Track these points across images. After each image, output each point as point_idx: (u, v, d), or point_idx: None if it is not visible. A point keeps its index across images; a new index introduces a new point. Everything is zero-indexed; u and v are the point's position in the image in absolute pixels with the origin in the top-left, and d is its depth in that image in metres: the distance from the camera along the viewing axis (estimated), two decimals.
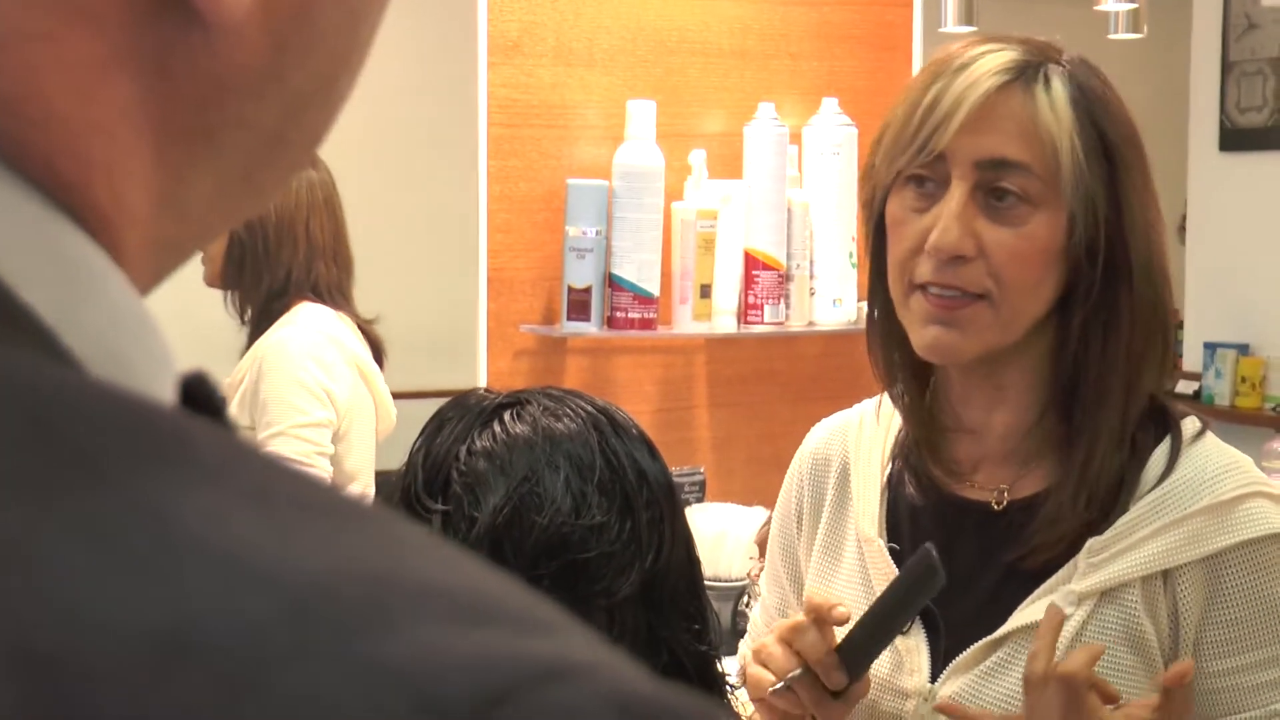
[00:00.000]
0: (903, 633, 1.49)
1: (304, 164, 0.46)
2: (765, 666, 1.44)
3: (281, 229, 2.86)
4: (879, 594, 1.51)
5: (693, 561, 1.38)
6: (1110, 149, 1.45)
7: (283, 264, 2.86)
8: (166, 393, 0.40)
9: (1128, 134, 1.47)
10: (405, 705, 0.30)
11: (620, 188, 2.70)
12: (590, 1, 2.78)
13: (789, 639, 1.43)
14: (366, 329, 2.96)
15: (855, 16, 3.01)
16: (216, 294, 2.96)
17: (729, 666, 1.49)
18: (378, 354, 2.97)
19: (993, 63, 1.44)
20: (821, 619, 1.42)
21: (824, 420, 1.69)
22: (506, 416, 1.34)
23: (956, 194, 1.44)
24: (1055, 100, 1.44)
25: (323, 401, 2.82)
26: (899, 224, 1.47)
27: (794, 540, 1.65)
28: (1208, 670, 1.44)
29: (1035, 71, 1.45)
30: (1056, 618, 1.40)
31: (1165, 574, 1.45)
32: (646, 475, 1.34)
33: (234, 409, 2.91)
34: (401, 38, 4.20)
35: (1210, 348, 5.94)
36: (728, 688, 1.37)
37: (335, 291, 2.91)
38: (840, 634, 1.43)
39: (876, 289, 1.54)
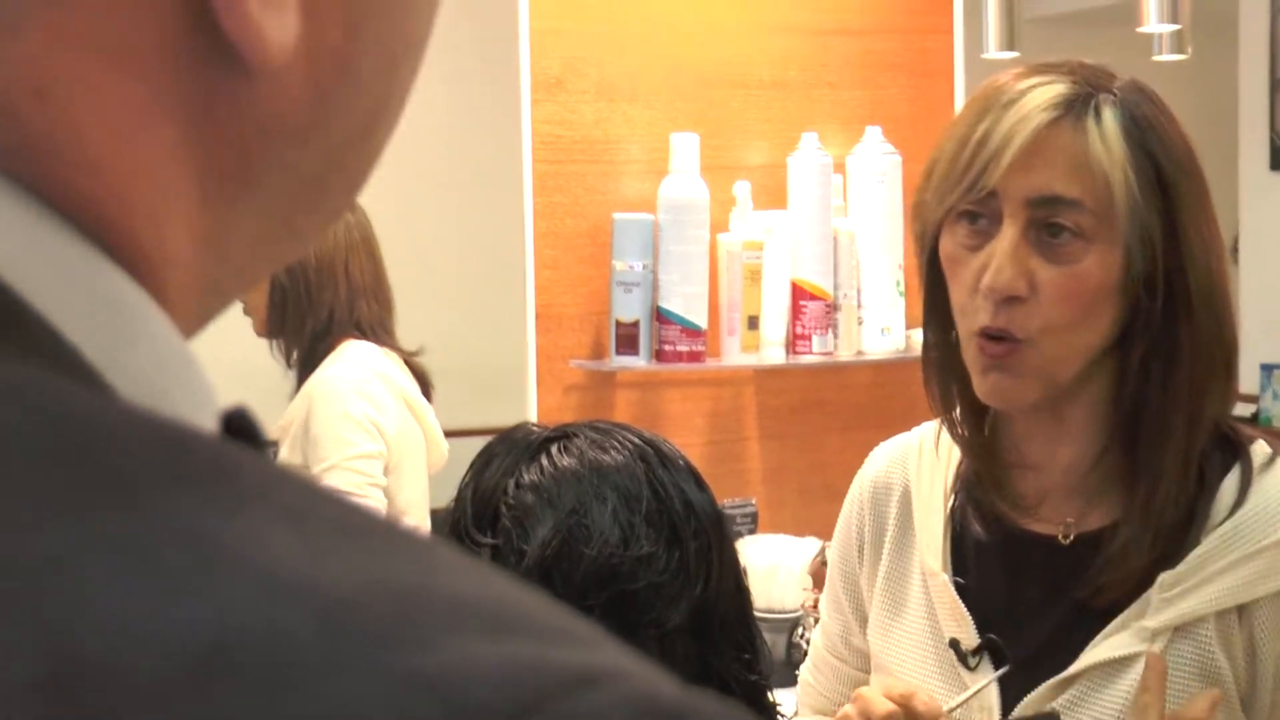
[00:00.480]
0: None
1: (345, 208, 0.46)
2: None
3: (322, 271, 2.89)
4: (945, 631, 1.50)
5: (742, 591, 1.38)
6: (1165, 179, 1.42)
7: (325, 305, 2.90)
8: (208, 425, 0.41)
9: (1184, 160, 1.44)
10: (436, 716, 0.31)
11: (665, 221, 2.71)
12: (631, 37, 2.80)
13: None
14: (412, 363, 2.99)
15: (896, 45, 3.01)
16: (263, 342, 2.99)
17: (781, 697, 1.49)
18: (425, 387, 3.00)
19: (1042, 97, 1.42)
20: (917, 718, 1.40)
21: (883, 444, 1.67)
22: (553, 450, 1.34)
23: (1009, 233, 1.42)
24: (1106, 133, 1.41)
25: (372, 434, 2.85)
26: (954, 262, 1.46)
27: (855, 568, 1.64)
28: None
29: (1085, 104, 1.42)
30: (1159, 666, 1.38)
31: (1240, 608, 1.43)
32: (694, 506, 1.34)
33: (285, 450, 2.94)
34: (446, 77, 4.23)
35: (1267, 369, 5.90)
36: (779, 717, 1.38)
37: (379, 328, 2.94)
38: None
39: (931, 322, 1.53)
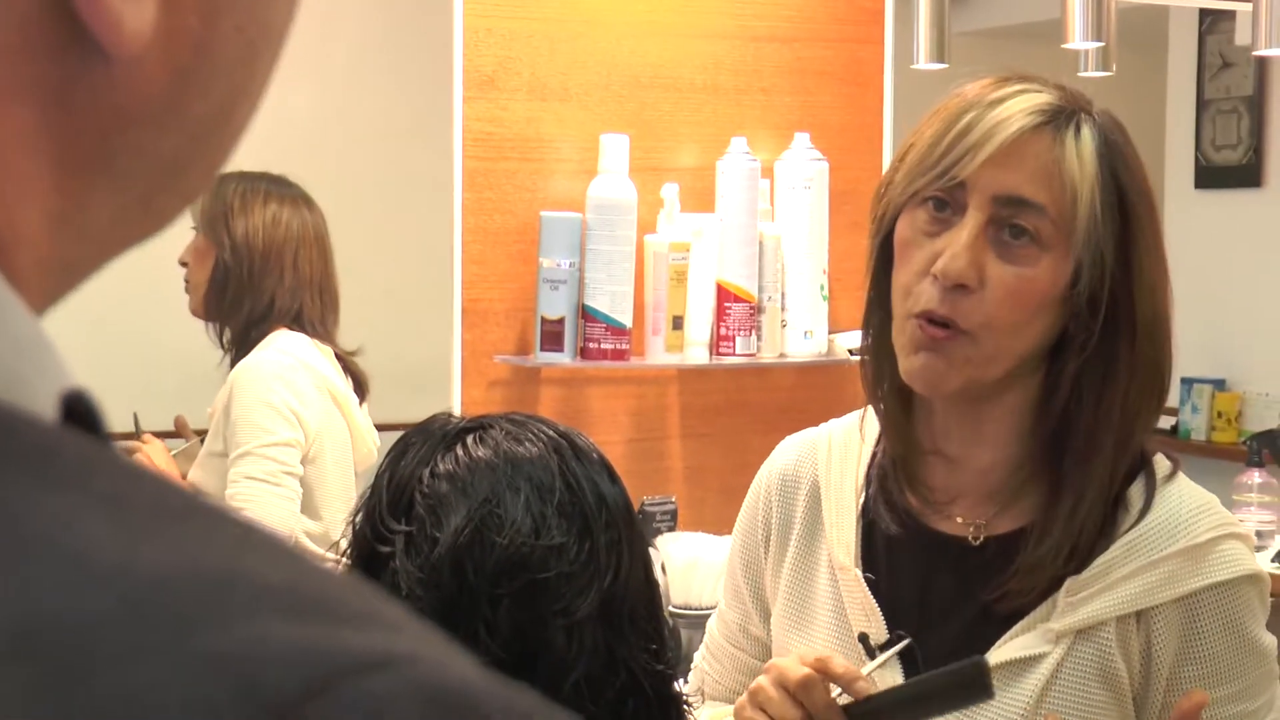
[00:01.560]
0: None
1: (203, 188, 0.48)
2: (763, 710, 1.44)
3: (269, 257, 2.90)
4: (854, 626, 1.53)
5: (651, 583, 1.40)
6: (1127, 205, 1.47)
7: (266, 291, 2.90)
8: (50, 409, 0.41)
9: (1145, 192, 1.49)
10: (226, 696, 0.32)
11: (593, 220, 2.73)
12: (564, 37, 2.82)
13: (795, 690, 1.43)
14: (348, 362, 2.99)
15: (827, 53, 3.05)
16: (201, 325, 2.99)
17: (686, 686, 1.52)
18: (360, 387, 3.00)
19: (1028, 102, 1.46)
20: (839, 682, 1.42)
21: (790, 438, 1.69)
22: (469, 440, 1.37)
23: (970, 224, 1.45)
24: (1083, 149, 1.45)
25: (290, 423, 2.86)
26: (907, 245, 1.49)
27: (759, 557, 1.65)
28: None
29: (1068, 119, 1.46)
30: (1199, 700, 1.41)
31: (1139, 613, 1.47)
32: (605, 498, 1.37)
33: (209, 436, 2.94)
34: (380, 72, 4.23)
35: (1187, 383, 5.98)
36: (685, 706, 1.40)
37: (319, 325, 2.95)
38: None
39: (875, 305, 1.56)
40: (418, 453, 1.38)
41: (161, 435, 3.33)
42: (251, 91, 0.47)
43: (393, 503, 1.36)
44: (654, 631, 1.38)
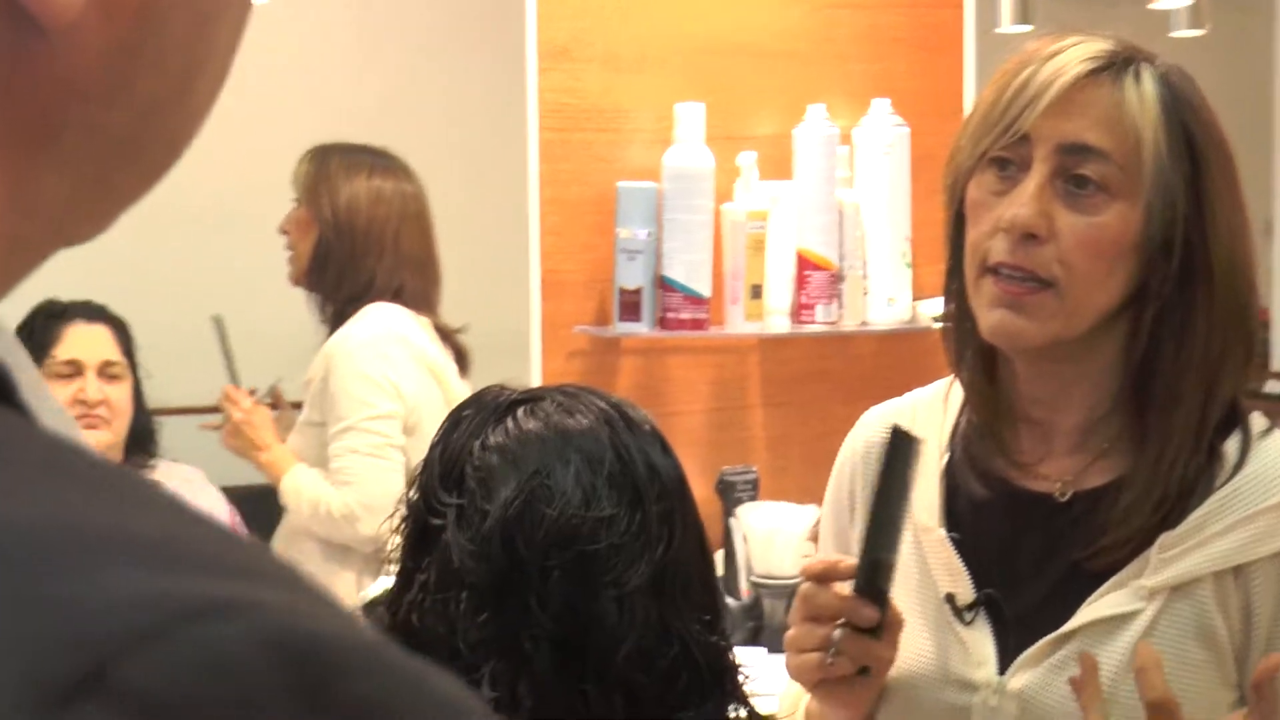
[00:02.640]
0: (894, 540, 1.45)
1: (168, 164, 0.47)
2: (802, 651, 1.44)
3: (370, 235, 2.90)
4: (939, 586, 1.52)
5: (705, 555, 1.40)
6: (1196, 149, 1.45)
7: (366, 270, 2.90)
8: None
9: (1217, 140, 1.48)
10: (67, 639, 0.32)
11: (670, 190, 2.73)
12: (638, 6, 2.82)
13: (806, 613, 1.43)
14: (449, 335, 2.99)
15: (904, 18, 3.02)
16: (298, 295, 3.01)
17: (779, 660, 1.51)
18: (462, 360, 3.00)
19: (1085, 51, 1.46)
20: (826, 579, 1.43)
21: (874, 408, 1.68)
22: (520, 413, 1.37)
23: (1036, 175, 1.44)
24: (1144, 94, 1.44)
25: (389, 394, 2.86)
26: (978, 206, 1.48)
27: (846, 526, 1.64)
28: None
29: (1126, 64, 1.46)
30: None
31: (1237, 569, 1.44)
32: (658, 469, 1.36)
33: (306, 408, 2.96)
34: (453, 46, 4.25)
35: None
36: (740, 677, 1.39)
37: (420, 301, 2.94)
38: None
39: (954, 273, 1.54)
40: (469, 425, 1.38)
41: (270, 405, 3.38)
42: (210, 66, 0.46)
43: (445, 475, 1.36)
44: (708, 603, 1.37)
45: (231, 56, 0.47)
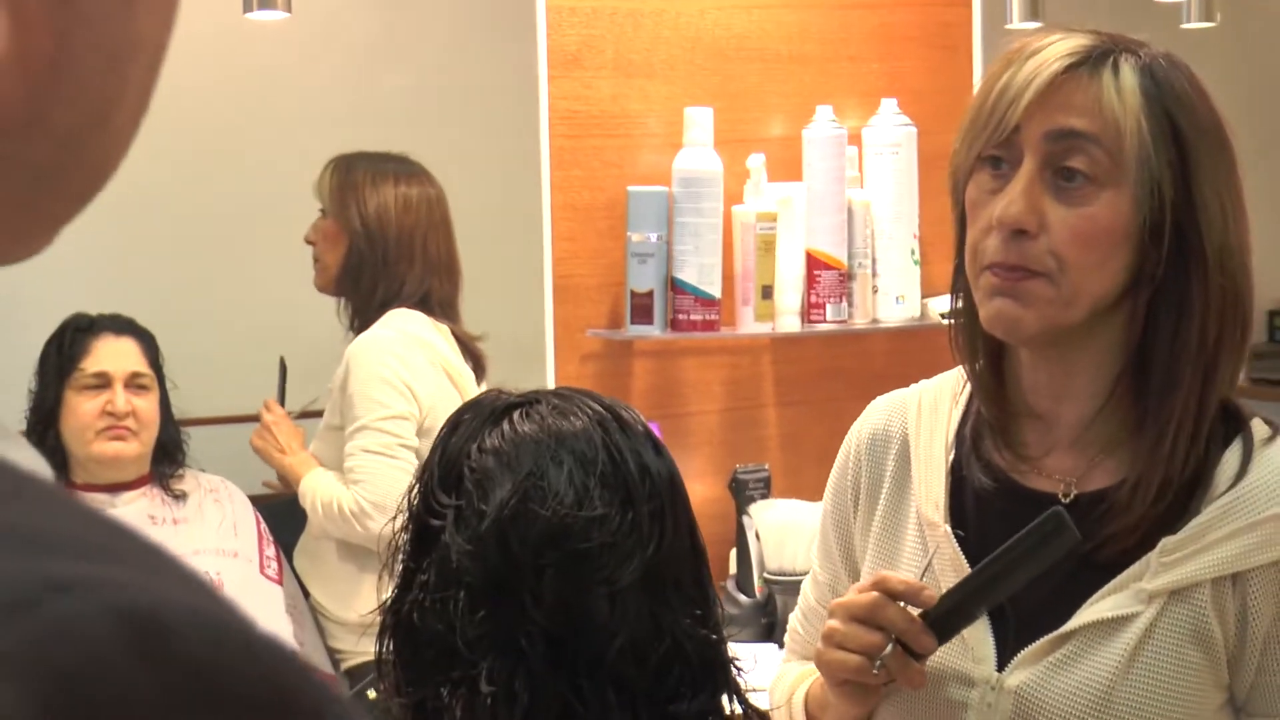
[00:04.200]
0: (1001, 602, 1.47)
1: (97, 188, 0.51)
2: (843, 648, 1.47)
3: (401, 243, 2.93)
4: (942, 582, 1.54)
5: (697, 552, 1.43)
6: (1182, 137, 1.46)
7: (398, 277, 2.93)
8: None
9: (1208, 127, 1.49)
10: None
11: (680, 193, 2.76)
12: (648, 13, 2.85)
13: (866, 617, 1.45)
14: (469, 344, 3.02)
15: (914, 17, 3.04)
16: (324, 302, 3.06)
17: (759, 653, 1.54)
18: (479, 368, 3.03)
19: (1063, 48, 1.48)
20: (903, 598, 1.45)
21: (879, 399, 1.70)
22: (516, 416, 1.40)
23: (1025, 170, 1.47)
24: (1123, 85, 1.46)
25: (404, 396, 2.89)
26: (975, 206, 1.51)
27: (849, 517, 1.66)
28: (1273, 668, 1.47)
29: (1104, 57, 1.48)
30: None
31: (1235, 576, 1.46)
32: (649, 469, 1.39)
33: (328, 411, 3.01)
34: (464, 56, 4.29)
35: None
36: (734, 671, 1.42)
37: (446, 306, 2.97)
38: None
39: (961, 272, 1.57)
40: (468, 429, 1.42)
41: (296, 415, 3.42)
42: (128, 98, 0.50)
43: (443, 477, 1.40)
44: (699, 598, 1.40)
45: (149, 91, 0.51)
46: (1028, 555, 1.40)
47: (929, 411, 1.63)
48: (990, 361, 1.57)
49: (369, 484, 2.89)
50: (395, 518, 1.46)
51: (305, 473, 3.00)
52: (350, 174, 2.98)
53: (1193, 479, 1.49)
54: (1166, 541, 1.46)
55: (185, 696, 0.38)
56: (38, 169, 0.49)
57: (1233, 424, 1.51)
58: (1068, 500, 1.53)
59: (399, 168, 3.00)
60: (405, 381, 2.90)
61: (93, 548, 0.41)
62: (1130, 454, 1.51)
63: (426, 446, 2.88)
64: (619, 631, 1.33)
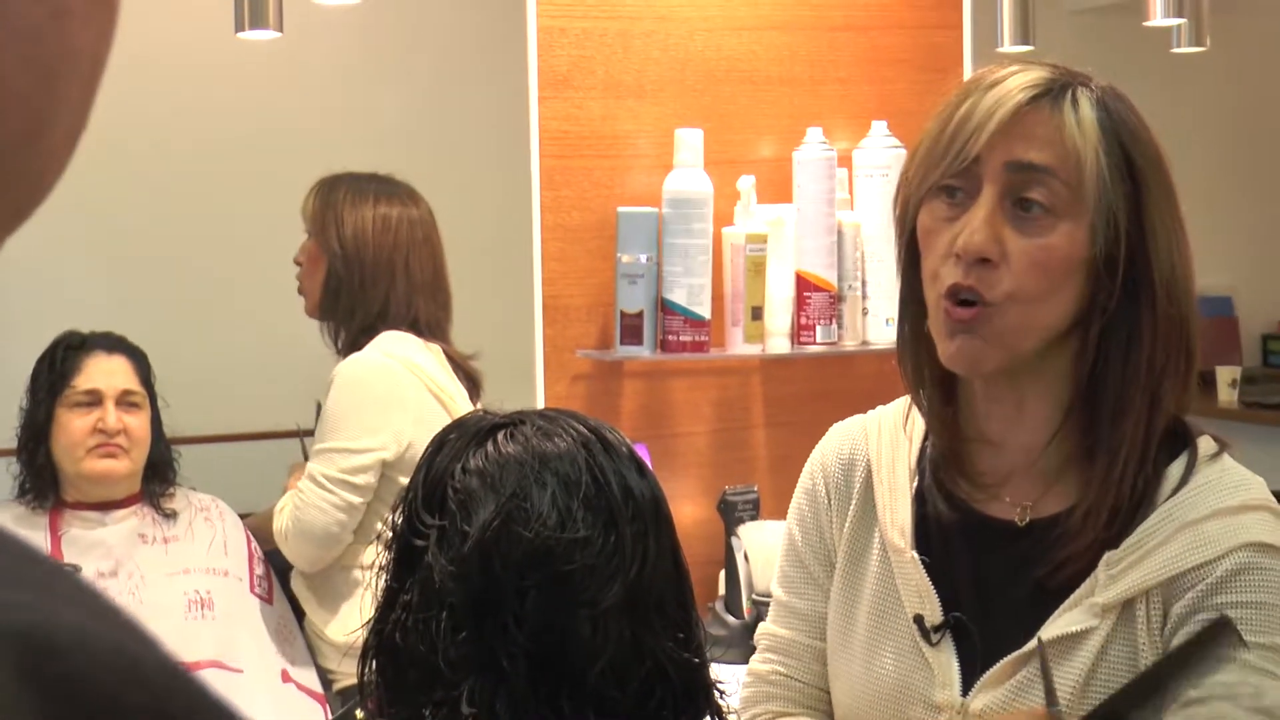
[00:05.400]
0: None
1: (33, 205, 0.51)
2: None
3: (379, 265, 2.92)
4: (908, 607, 1.56)
5: (680, 574, 1.43)
6: (1135, 168, 1.51)
7: (377, 299, 2.92)
8: None
9: (1154, 158, 1.53)
10: None
11: (670, 214, 2.77)
12: (638, 34, 2.86)
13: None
14: (461, 364, 3.01)
15: (904, 40, 3.06)
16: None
17: (724, 673, 1.55)
18: (474, 389, 3.02)
19: (1023, 80, 1.51)
20: None
21: (838, 425, 1.73)
22: (500, 437, 1.41)
23: (986, 199, 1.50)
24: (1082, 116, 1.50)
25: (374, 430, 2.88)
26: (929, 234, 1.53)
27: (826, 524, 1.68)
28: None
29: (1063, 90, 1.51)
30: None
31: (1169, 581, 1.48)
32: (633, 491, 1.40)
33: (317, 431, 3.00)
34: (456, 74, 4.31)
35: None
36: (716, 693, 1.43)
37: (434, 326, 2.96)
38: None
39: (908, 300, 1.60)
40: (452, 449, 1.42)
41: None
42: (60, 113, 0.50)
43: (427, 498, 1.40)
44: (682, 621, 1.41)
45: (88, 104, 0.51)
46: (1191, 663, 1.36)
47: (889, 437, 1.66)
48: (940, 389, 1.60)
49: (293, 509, 2.90)
50: (379, 536, 1.47)
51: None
52: (331, 195, 2.97)
53: (1139, 499, 1.51)
54: (1109, 555, 1.50)
55: (65, 717, 0.40)
56: None
57: (1179, 442, 1.54)
58: (1024, 524, 1.56)
59: (380, 188, 2.99)
60: (384, 413, 2.88)
61: (14, 580, 0.42)
62: (1082, 479, 1.54)
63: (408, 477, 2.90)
64: (601, 653, 1.34)
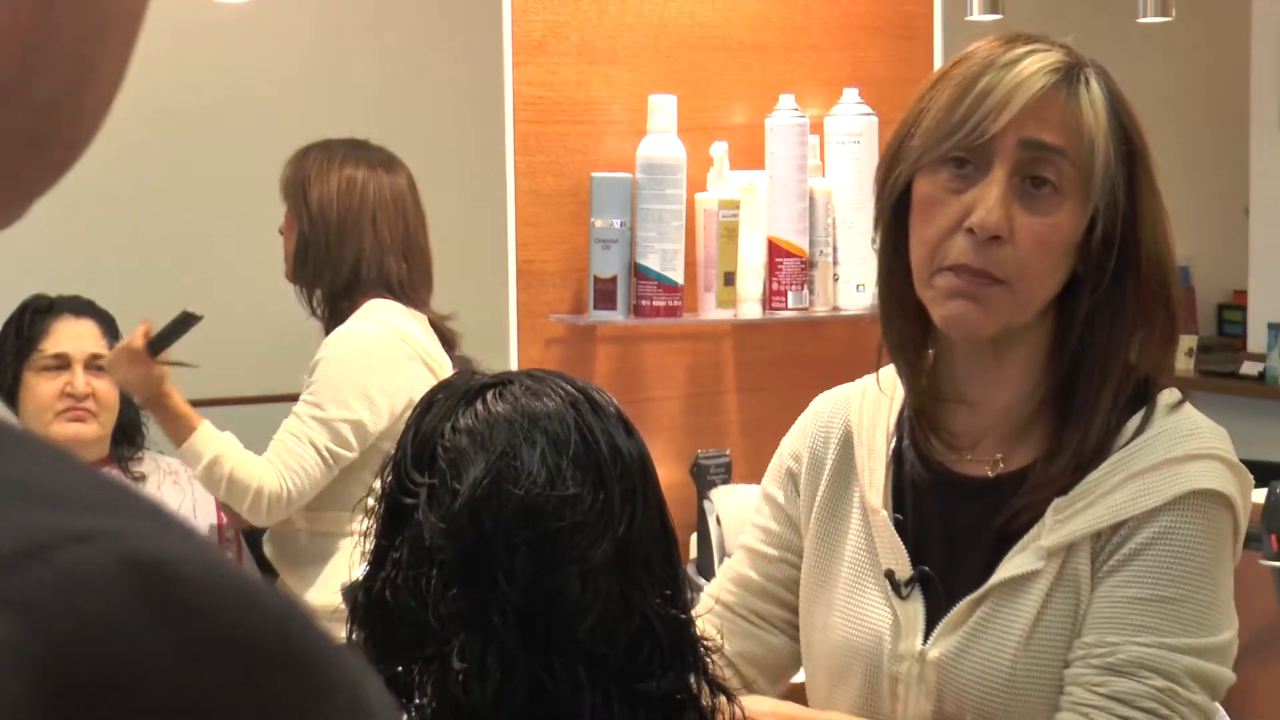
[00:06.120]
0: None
1: (73, 159, 0.52)
2: None
3: (345, 225, 2.92)
4: (883, 563, 1.60)
5: (667, 532, 1.45)
6: (1133, 151, 1.57)
7: (347, 259, 2.92)
8: None
9: (1143, 138, 1.59)
10: None
11: (643, 180, 2.78)
12: (613, 0, 2.86)
13: None
14: (440, 325, 3.02)
15: (876, 7, 3.07)
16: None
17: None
18: (450, 350, 3.02)
19: (1043, 62, 1.55)
20: None
21: (825, 394, 1.78)
22: (489, 396, 1.42)
23: (999, 176, 1.53)
24: (1095, 101, 1.55)
25: (369, 401, 2.88)
26: (931, 203, 1.56)
27: (799, 479, 1.73)
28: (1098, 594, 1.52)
29: (1077, 74, 1.56)
30: None
31: (1115, 526, 1.53)
32: (621, 450, 1.42)
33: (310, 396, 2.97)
34: (429, 42, 4.30)
35: (1275, 328, 5.93)
36: (701, 650, 1.45)
37: (408, 288, 2.96)
38: None
39: (892, 265, 1.63)
40: (441, 408, 1.43)
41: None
42: (104, 69, 0.51)
43: (417, 457, 1.42)
44: (669, 578, 1.43)
45: (125, 65, 0.52)
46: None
47: (871, 402, 1.71)
48: (917, 351, 1.65)
49: (302, 480, 2.88)
50: (366, 497, 1.48)
51: (200, 424, 2.92)
52: (303, 162, 2.98)
53: (1097, 448, 1.57)
54: (1058, 502, 1.55)
55: (192, 644, 0.41)
56: (16, 139, 0.50)
57: (1140, 397, 1.59)
58: (994, 477, 1.62)
59: (349, 152, 2.99)
60: (379, 384, 2.88)
61: (98, 501, 0.43)
62: (1049, 437, 1.59)
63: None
64: (590, 610, 1.35)
